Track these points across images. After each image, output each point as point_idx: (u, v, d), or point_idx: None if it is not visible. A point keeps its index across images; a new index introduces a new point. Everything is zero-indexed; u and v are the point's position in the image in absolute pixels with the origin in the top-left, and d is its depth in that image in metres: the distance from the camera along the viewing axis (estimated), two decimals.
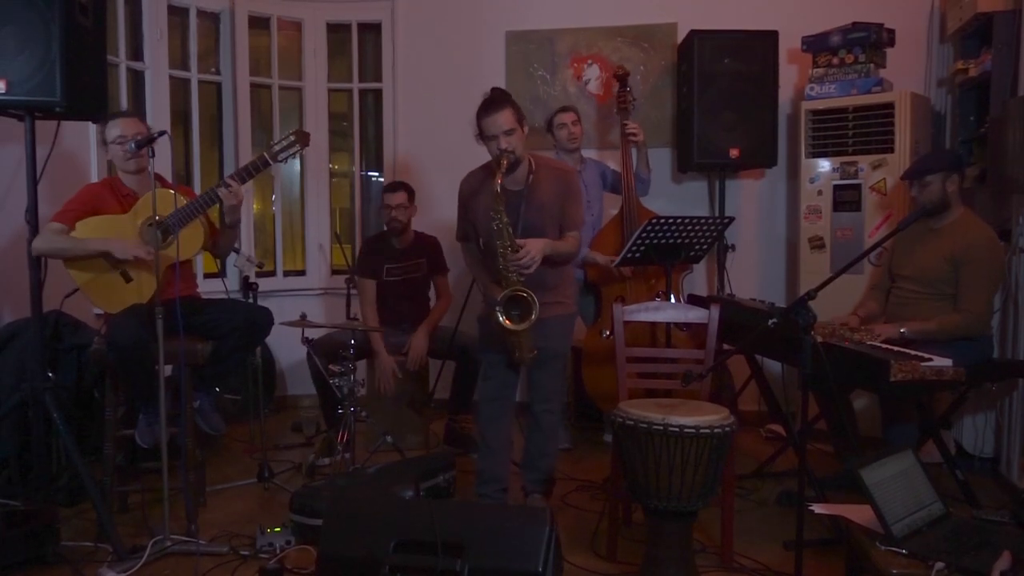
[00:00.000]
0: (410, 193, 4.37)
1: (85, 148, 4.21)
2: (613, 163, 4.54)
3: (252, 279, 4.21)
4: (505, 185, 3.01)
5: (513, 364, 3.22)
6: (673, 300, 3.95)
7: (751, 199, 4.92)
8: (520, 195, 3.15)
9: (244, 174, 3.22)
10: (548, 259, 3.10)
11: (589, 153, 4.59)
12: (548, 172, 3.20)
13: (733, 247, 4.70)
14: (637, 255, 3.87)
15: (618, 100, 4.37)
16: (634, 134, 4.24)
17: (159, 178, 3.24)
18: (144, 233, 3.16)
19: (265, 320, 3.40)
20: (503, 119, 3.01)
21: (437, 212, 4.81)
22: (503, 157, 2.99)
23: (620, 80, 4.37)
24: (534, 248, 3.01)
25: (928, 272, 3.42)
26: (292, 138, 3.24)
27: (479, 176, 3.22)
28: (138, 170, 3.26)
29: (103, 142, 3.32)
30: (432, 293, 4.52)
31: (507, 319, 3.01)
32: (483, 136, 3.08)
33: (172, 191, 3.13)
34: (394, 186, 4.41)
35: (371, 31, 5.38)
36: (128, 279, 3.21)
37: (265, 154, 3.24)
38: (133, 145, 3.09)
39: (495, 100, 3.07)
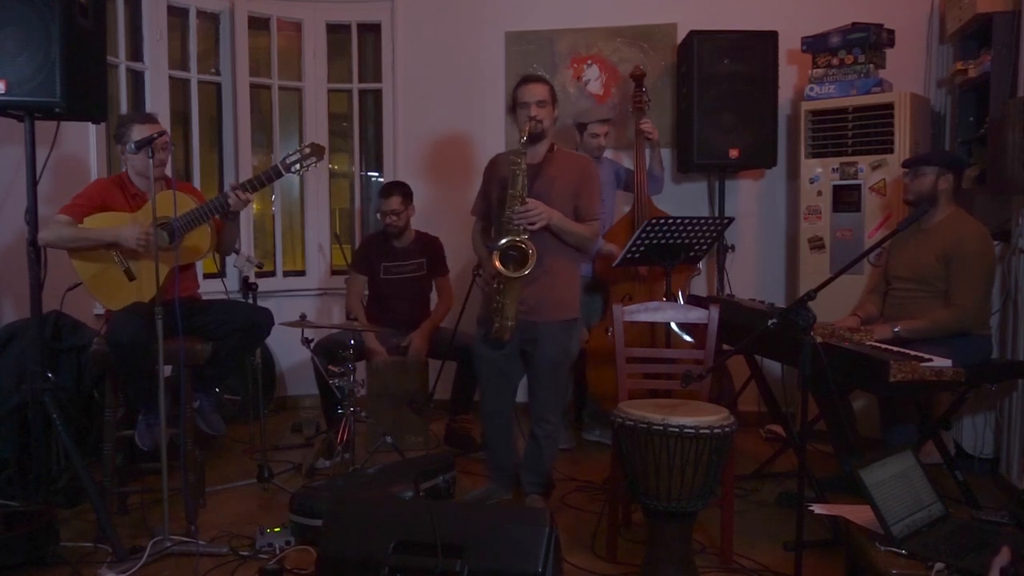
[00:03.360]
0: (405, 195, 4.32)
1: (85, 149, 4.21)
2: (626, 162, 4.54)
3: (252, 279, 4.20)
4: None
5: (508, 367, 3.28)
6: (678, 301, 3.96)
7: (751, 199, 4.92)
8: (534, 168, 3.20)
9: (256, 183, 3.25)
10: (557, 236, 3.16)
11: (605, 152, 4.58)
12: (565, 156, 3.32)
13: (733, 247, 4.70)
14: (637, 255, 3.87)
15: (633, 100, 4.41)
16: (649, 133, 4.27)
17: (167, 180, 3.25)
18: (154, 234, 3.15)
19: (266, 321, 3.41)
20: (539, 90, 3.19)
21: (436, 212, 4.81)
22: (529, 123, 3.11)
23: (636, 80, 4.41)
24: (542, 205, 3.09)
25: (921, 271, 3.44)
26: (307, 150, 3.26)
27: (505, 154, 3.32)
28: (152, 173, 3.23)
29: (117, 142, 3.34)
30: (433, 296, 4.52)
31: (500, 263, 3.04)
32: (516, 104, 3.22)
33: (186, 195, 3.18)
34: (388, 190, 4.34)
35: (371, 31, 5.38)
36: (132, 277, 3.22)
37: (279, 165, 3.26)
38: (133, 146, 3.09)
39: (536, 75, 3.32)
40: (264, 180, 3.25)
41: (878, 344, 3.09)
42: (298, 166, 3.25)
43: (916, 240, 3.50)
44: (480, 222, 3.47)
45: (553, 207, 3.15)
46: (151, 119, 3.32)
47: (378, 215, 4.42)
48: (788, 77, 4.69)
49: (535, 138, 3.16)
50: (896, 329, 3.29)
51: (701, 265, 4.38)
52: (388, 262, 4.38)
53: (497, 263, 3.03)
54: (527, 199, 3.06)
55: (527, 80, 3.23)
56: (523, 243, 3.02)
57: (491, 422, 3.42)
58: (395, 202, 4.29)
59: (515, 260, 3.03)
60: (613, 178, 4.38)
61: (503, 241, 3.04)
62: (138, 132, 3.20)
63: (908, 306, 3.47)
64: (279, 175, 3.26)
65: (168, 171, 3.29)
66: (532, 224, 3.05)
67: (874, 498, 2.09)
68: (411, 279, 4.41)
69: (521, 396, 3.45)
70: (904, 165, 3.64)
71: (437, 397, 4.50)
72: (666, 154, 4.90)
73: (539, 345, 3.21)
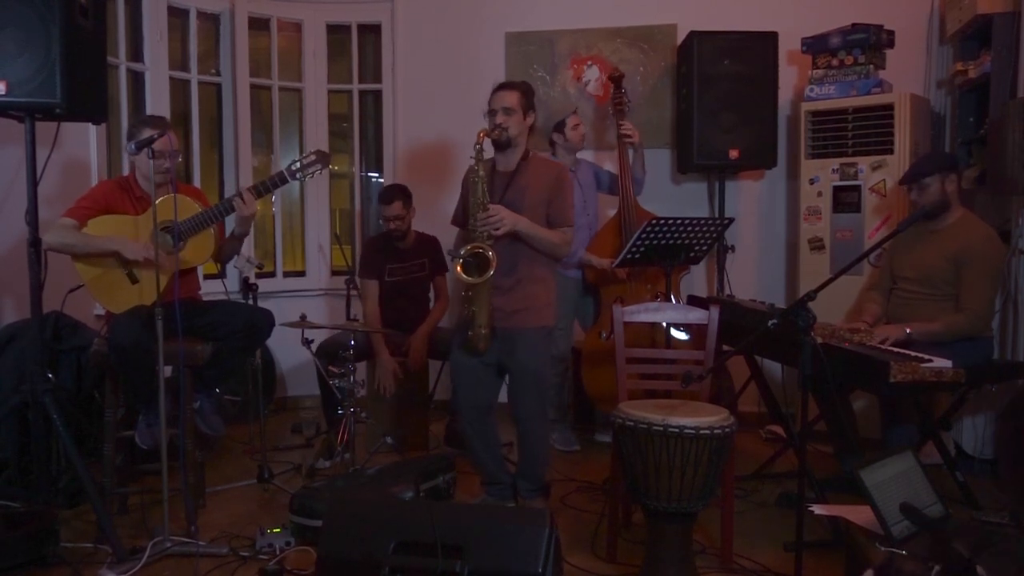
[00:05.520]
0: (406, 198, 4.31)
1: (85, 150, 4.21)
2: (609, 164, 4.53)
3: (252, 280, 4.20)
4: (496, 166, 3.16)
5: (485, 376, 3.21)
6: (673, 301, 3.96)
7: (751, 200, 4.92)
8: (507, 176, 3.21)
9: (262, 188, 3.28)
10: (527, 244, 3.13)
11: (585, 154, 4.59)
12: (539, 163, 3.30)
13: (733, 248, 4.70)
14: (637, 256, 3.87)
15: (613, 102, 4.39)
16: (629, 135, 4.25)
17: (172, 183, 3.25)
18: (155, 237, 3.15)
19: (266, 322, 3.41)
20: (507, 98, 3.16)
21: (436, 212, 4.80)
22: (493, 129, 3.11)
23: (615, 82, 4.41)
24: (504, 211, 3.06)
25: (930, 273, 3.43)
26: (313, 157, 3.29)
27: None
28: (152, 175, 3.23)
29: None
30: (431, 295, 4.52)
31: (463, 271, 3.01)
32: (488, 110, 3.21)
33: (189, 197, 3.21)
34: (389, 195, 4.31)
35: (371, 32, 5.38)
36: (135, 280, 3.22)
37: (284, 171, 3.29)
38: (132, 146, 3.09)
39: (509, 81, 3.29)
40: (269, 186, 3.30)
41: (878, 344, 3.10)
42: (302, 173, 3.29)
43: (925, 241, 3.48)
44: (463, 231, 3.42)
45: (525, 215, 3.11)
46: (163, 124, 3.29)
47: (380, 220, 4.42)
48: (788, 78, 4.69)
49: (501, 146, 3.16)
50: (908, 331, 3.27)
51: (693, 267, 4.38)
52: (393, 264, 4.38)
53: (459, 270, 3.02)
54: (489, 205, 3.03)
55: (499, 87, 3.22)
56: (483, 249, 2.99)
57: (474, 439, 3.27)
58: (397, 207, 4.27)
59: (477, 267, 3.01)
60: (593, 180, 4.36)
61: (464, 249, 3.04)
62: (148, 135, 3.20)
63: (913, 307, 3.46)
64: (284, 181, 3.30)
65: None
66: (496, 230, 3.02)
67: (874, 498, 2.09)
68: (414, 279, 4.41)
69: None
70: (902, 182, 3.58)
71: (437, 397, 4.50)
72: (666, 155, 4.92)
73: (516, 354, 3.14)
